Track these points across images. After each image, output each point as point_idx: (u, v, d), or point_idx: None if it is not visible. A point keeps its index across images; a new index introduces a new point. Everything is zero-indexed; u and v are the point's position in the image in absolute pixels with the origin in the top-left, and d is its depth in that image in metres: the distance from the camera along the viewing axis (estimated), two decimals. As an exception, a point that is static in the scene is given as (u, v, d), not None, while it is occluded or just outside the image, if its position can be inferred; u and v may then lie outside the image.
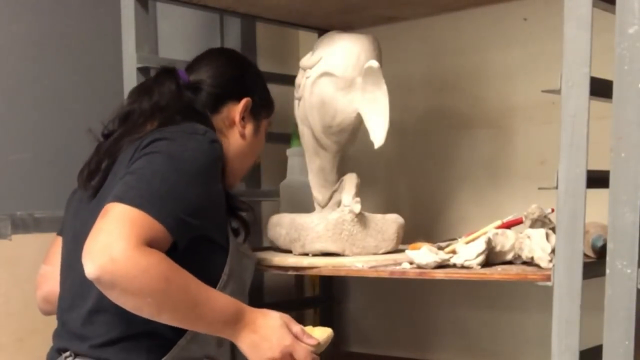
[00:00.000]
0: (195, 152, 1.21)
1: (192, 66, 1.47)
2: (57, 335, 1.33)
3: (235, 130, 1.44)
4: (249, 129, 1.46)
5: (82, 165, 1.37)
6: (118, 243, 1.06)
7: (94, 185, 1.29)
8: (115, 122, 1.38)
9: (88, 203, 1.29)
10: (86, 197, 1.31)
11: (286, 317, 1.24)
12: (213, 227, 1.26)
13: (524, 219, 1.38)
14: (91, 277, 1.06)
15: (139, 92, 1.40)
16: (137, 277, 1.06)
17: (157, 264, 1.08)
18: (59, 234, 1.44)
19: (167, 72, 1.41)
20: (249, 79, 1.48)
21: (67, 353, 1.26)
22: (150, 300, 1.08)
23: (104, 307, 1.20)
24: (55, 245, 1.43)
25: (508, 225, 1.39)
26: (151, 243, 1.09)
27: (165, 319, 1.13)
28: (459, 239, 1.40)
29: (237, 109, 1.44)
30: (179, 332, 1.21)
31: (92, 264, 1.06)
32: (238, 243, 1.37)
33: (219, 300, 1.17)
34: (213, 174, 1.24)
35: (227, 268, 1.28)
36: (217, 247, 1.28)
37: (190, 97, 1.40)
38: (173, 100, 1.35)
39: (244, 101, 1.44)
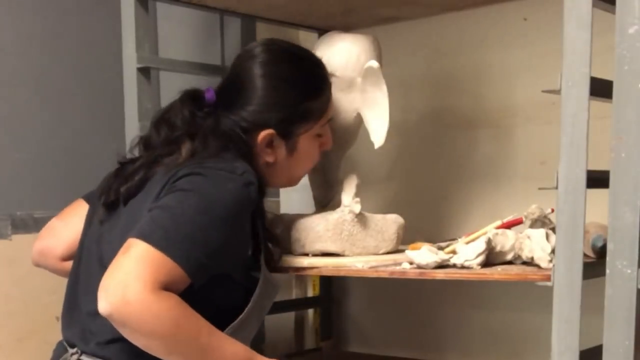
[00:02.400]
0: (229, 195, 1.17)
1: (221, 86, 1.39)
2: (66, 323, 1.31)
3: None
4: (280, 152, 1.35)
5: (101, 188, 1.34)
6: (134, 284, 1.06)
7: (124, 192, 1.26)
8: (135, 149, 1.36)
9: (114, 210, 1.28)
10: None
11: None
12: (233, 267, 1.25)
13: (524, 219, 1.38)
14: (103, 314, 1.08)
15: (159, 118, 1.36)
16: (148, 321, 1.06)
17: (170, 309, 1.08)
18: (85, 199, 1.41)
19: (187, 95, 1.36)
20: (276, 100, 1.33)
21: (74, 349, 1.26)
22: (159, 343, 1.10)
23: None
24: (75, 206, 1.41)
25: (508, 225, 1.39)
26: (168, 286, 1.09)
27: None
28: (459, 239, 1.40)
29: (257, 140, 1.32)
30: None
31: (106, 301, 1.06)
32: (267, 273, 1.33)
33: (229, 348, 1.17)
34: (242, 217, 1.21)
35: (251, 305, 1.26)
36: (236, 285, 1.27)
37: (211, 122, 1.32)
38: (191, 124, 1.31)
39: (261, 136, 1.32)
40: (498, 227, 1.36)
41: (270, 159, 1.34)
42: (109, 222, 1.28)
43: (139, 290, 1.05)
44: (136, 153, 1.38)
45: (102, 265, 1.19)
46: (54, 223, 1.43)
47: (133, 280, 1.06)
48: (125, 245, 1.11)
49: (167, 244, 1.10)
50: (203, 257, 1.14)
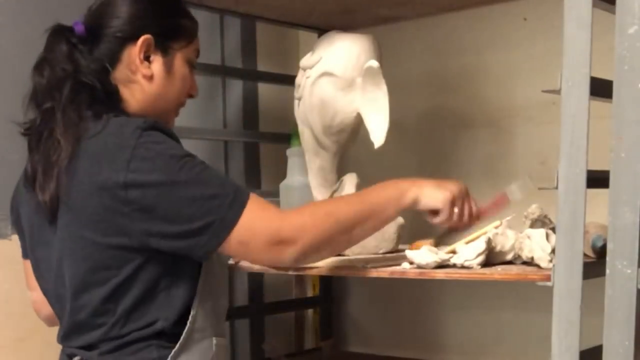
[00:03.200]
0: (175, 148, 1.18)
1: (87, 15, 1.34)
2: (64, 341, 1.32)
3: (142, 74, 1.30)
4: (157, 67, 1.30)
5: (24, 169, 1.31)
6: (285, 237, 1.16)
7: (49, 206, 1.22)
8: (28, 108, 1.31)
9: (49, 228, 1.25)
10: (40, 210, 1.25)
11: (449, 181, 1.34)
12: None
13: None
14: (298, 264, 1.23)
15: (38, 64, 1.30)
16: (314, 236, 1.18)
17: (309, 212, 1.20)
18: (27, 257, 1.40)
19: (58, 31, 1.29)
20: (146, 11, 1.30)
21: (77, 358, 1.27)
22: (339, 237, 1.22)
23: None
24: (30, 270, 1.39)
25: (494, 206, 1.39)
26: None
27: (360, 235, 1.27)
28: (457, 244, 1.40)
29: (135, 51, 1.28)
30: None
31: (294, 261, 1.19)
32: None
33: (375, 191, 1.27)
34: (182, 148, 1.21)
35: None
36: None
37: (86, 62, 1.26)
38: (67, 74, 1.25)
39: (140, 40, 1.27)
40: (486, 208, 1.36)
41: (148, 72, 1.29)
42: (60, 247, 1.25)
43: (281, 223, 1.17)
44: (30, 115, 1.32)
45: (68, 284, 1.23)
46: (35, 296, 1.41)
47: (282, 237, 1.16)
48: (234, 246, 1.16)
49: (234, 210, 1.15)
50: (232, 180, 1.23)
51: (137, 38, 1.27)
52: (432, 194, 1.28)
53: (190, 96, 1.39)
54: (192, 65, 1.36)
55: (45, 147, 1.23)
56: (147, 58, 1.29)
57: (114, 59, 1.28)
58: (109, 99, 1.26)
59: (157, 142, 1.16)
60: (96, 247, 1.18)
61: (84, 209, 1.17)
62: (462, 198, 1.31)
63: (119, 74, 1.28)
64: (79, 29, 1.29)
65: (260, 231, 1.16)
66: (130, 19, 1.28)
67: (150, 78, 1.29)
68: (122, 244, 1.17)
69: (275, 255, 1.18)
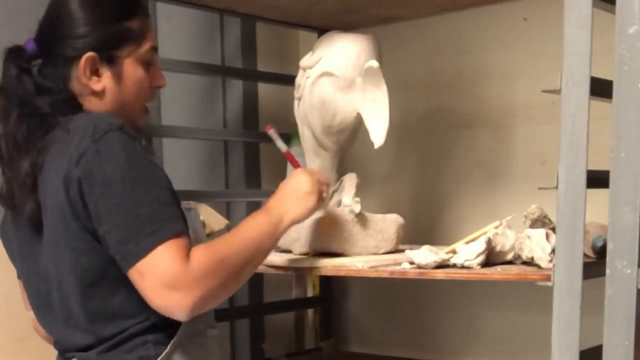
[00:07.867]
0: (129, 156, 1.16)
1: (38, 30, 1.32)
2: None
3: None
4: (106, 80, 1.28)
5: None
6: (180, 285, 1.12)
7: (31, 217, 1.24)
8: None
9: (35, 241, 1.26)
10: (23, 227, 1.27)
11: (297, 177, 1.34)
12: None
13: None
14: (189, 317, 1.16)
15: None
16: (210, 286, 1.14)
17: (207, 260, 1.15)
18: (20, 278, 1.41)
19: (8, 55, 1.29)
20: (86, 27, 1.27)
21: None
22: (232, 283, 1.19)
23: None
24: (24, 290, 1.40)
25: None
26: (187, 251, 1.14)
27: (247, 275, 1.25)
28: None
29: (80, 70, 1.26)
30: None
31: (184, 313, 1.14)
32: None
33: (252, 229, 1.25)
34: (145, 154, 1.20)
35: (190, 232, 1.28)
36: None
37: (37, 85, 1.27)
38: (18, 101, 1.26)
39: (82, 61, 1.26)
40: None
41: (97, 87, 1.28)
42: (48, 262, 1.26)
43: (185, 283, 1.12)
44: None
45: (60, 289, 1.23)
46: (34, 316, 1.39)
47: (175, 286, 1.11)
48: (136, 277, 1.13)
49: (148, 241, 1.12)
50: (175, 208, 1.17)
51: (81, 57, 1.26)
52: (298, 210, 1.31)
53: (158, 87, 1.38)
54: (148, 62, 1.33)
55: (11, 167, 1.25)
56: (96, 72, 1.28)
57: (65, 77, 1.27)
58: (68, 107, 1.26)
59: (113, 146, 1.15)
60: (75, 251, 1.18)
61: (58, 211, 1.18)
62: (317, 183, 1.34)
63: (74, 88, 1.28)
64: (30, 46, 1.30)
65: (160, 271, 1.11)
66: (72, 36, 1.27)
67: (102, 92, 1.28)
68: (93, 244, 1.17)
69: (167, 301, 1.13)
